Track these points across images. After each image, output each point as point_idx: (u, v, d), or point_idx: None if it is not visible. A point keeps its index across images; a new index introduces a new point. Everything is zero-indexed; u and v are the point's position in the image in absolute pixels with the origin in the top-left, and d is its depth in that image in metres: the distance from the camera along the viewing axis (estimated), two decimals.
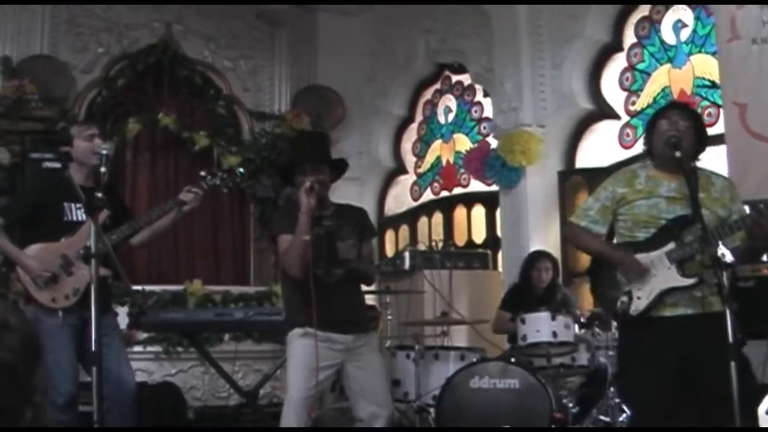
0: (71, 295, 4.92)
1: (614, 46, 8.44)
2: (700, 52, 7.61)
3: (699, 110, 6.98)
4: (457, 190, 10.00)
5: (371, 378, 4.84)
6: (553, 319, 6.20)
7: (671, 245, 4.06)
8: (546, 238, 8.28)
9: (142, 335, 7.94)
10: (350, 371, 4.82)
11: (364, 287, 5.20)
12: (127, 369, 5.10)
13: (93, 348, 4.04)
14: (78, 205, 5.03)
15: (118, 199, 5.49)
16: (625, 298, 4.11)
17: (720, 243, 4.03)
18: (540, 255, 7.30)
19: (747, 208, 4.29)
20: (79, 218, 5.04)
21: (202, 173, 5.41)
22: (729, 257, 3.87)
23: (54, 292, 4.94)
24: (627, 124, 8.25)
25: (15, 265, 5.06)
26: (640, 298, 4.08)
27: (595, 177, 7.27)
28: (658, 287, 4.04)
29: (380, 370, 5.00)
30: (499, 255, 8.99)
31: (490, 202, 9.36)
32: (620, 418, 5.79)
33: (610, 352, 6.05)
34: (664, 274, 4.05)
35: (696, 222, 3.92)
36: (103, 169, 4.56)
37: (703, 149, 4.25)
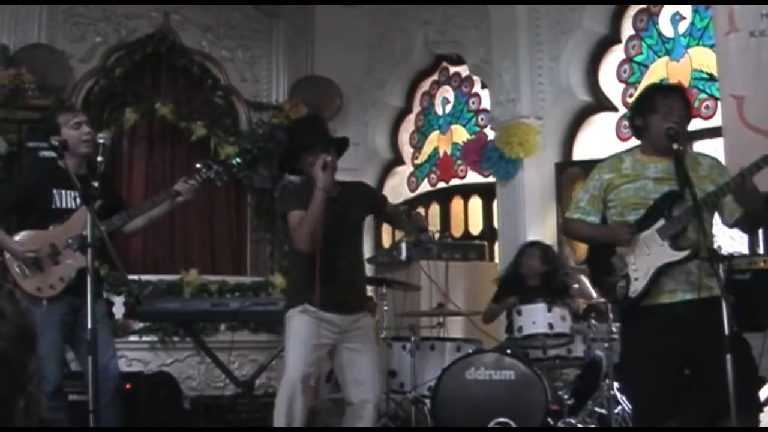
0: (57, 285, 4.91)
1: (612, 38, 8.43)
2: (698, 44, 7.61)
3: (696, 103, 7.04)
4: (455, 182, 10.00)
5: (363, 361, 4.85)
6: (549, 310, 6.19)
7: (661, 222, 4.06)
8: (543, 230, 8.28)
9: (138, 325, 7.93)
10: (343, 353, 4.83)
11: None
12: (111, 359, 5.07)
13: (88, 337, 4.02)
14: (70, 192, 5.02)
15: (113, 189, 5.50)
16: (623, 282, 4.11)
17: (718, 217, 4.05)
18: (529, 244, 7.28)
19: None
20: (68, 205, 5.04)
21: (198, 165, 5.41)
22: (724, 250, 3.86)
23: (39, 281, 4.92)
24: (625, 116, 8.23)
25: (2, 251, 5.06)
26: (638, 279, 4.07)
27: (592, 169, 7.24)
28: (654, 265, 4.03)
29: (373, 354, 5.00)
30: (496, 246, 9.00)
31: (487, 193, 9.35)
32: (616, 410, 5.79)
33: (606, 344, 6.05)
34: (657, 251, 4.04)
35: (684, 197, 3.92)
36: (99, 158, 4.54)
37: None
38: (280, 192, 5.04)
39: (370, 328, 5.10)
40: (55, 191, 5.03)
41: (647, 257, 4.06)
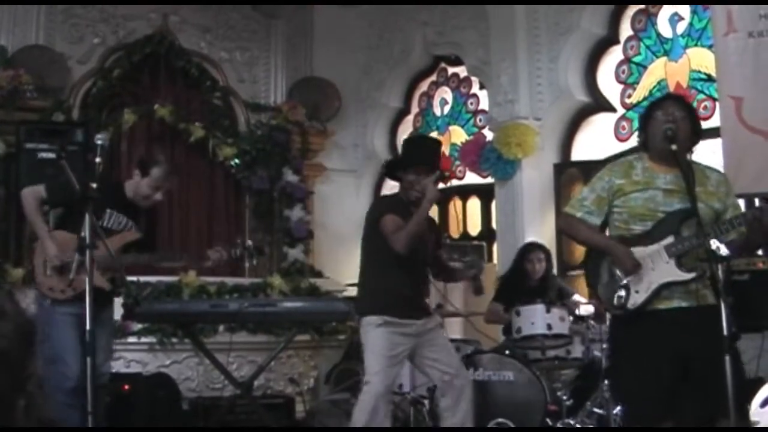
0: (66, 291, 4.93)
1: (610, 38, 8.44)
2: (696, 45, 7.61)
3: (695, 103, 7.01)
4: (453, 182, 9.99)
5: (446, 351, 5.30)
6: (548, 311, 6.20)
7: (670, 239, 4.02)
8: (541, 231, 8.28)
9: (137, 326, 7.92)
10: (424, 352, 5.20)
11: None
12: (105, 362, 5.22)
13: (87, 339, 4.04)
14: (120, 217, 5.28)
15: (150, 222, 5.68)
16: (622, 293, 4.07)
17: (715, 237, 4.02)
18: (533, 246, 7.29)
19: (742, 202, 4.28)
20: (111, 226, 5.22)
21: (238, 241, 5.88)
22: (724, 250, 3.86)
23: (53, 282, 4.98)
24: (623, 117, 8.25)
25: (36, 241, 5.22)
26: (638, 292, 4.04)
27: (590, 169, 7.25)
28: (657, 281, 4.00)
29: (450, 345, 5.51)
30: (495, 247, 8.99)
31: (485, 194, 9.36)
32: (614, 411, 5.79)
33: (605, 345, 6.05)
34: (662, 268, 4.01)
35: (694, 216, 3.90)
36: (98, 160, 4.59)
37: (697, 141, 4.23)
38: (375, 200, 5.46)
39: (439, 323, 5.58)
40: (108, 211, 5.22)
41: (651, 272, 4.02)
